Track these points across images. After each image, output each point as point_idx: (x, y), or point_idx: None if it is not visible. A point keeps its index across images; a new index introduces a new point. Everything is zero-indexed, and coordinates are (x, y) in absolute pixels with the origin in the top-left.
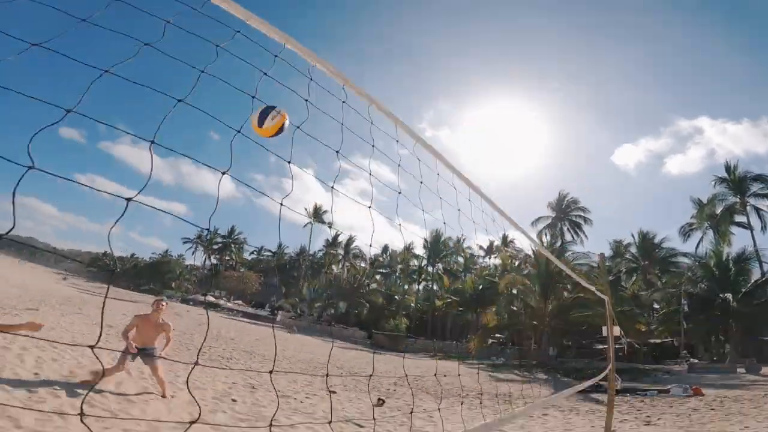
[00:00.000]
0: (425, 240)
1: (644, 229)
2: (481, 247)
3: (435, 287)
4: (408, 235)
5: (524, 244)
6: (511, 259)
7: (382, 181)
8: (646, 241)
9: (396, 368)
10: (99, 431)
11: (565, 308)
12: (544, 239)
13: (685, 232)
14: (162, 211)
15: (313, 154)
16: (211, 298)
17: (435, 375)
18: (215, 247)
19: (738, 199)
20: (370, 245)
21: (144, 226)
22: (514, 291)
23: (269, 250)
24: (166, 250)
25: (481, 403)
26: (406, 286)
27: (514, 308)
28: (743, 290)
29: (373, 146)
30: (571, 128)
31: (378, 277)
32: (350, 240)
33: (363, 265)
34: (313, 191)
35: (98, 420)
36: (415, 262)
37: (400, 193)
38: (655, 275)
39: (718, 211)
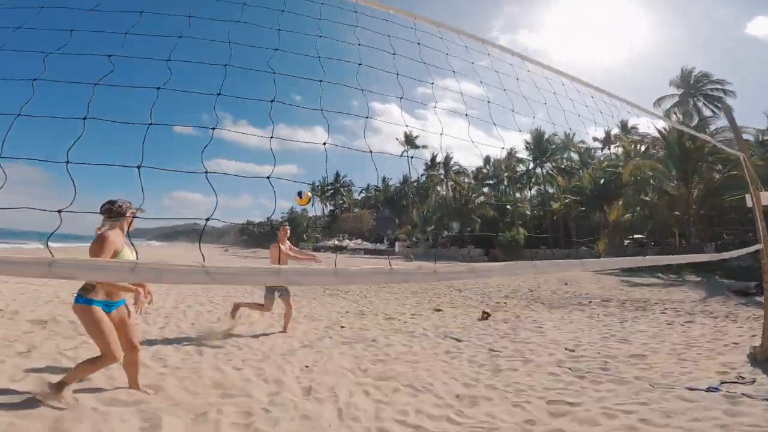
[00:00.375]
0: (526, 142)
1: None
2: (596, 139)
3: (550, 189)
4: (508, 140)
5: (649, 128)
6: (635, 145)
7: (470, 95)
8: None
9: (511, 281)
10: (223, 362)
11: (713, 191)
12: (674, 117)
13: None
14: (283, 179)
15: (394, 89)
16: (335, 242)
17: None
18: (328, 194)
19: None
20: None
21: (269, 192)
22: (645, 178)
23: (376, 186)
24: (291, 208)
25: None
26: (517, 194)
27: (647, 198)
28: None
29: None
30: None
31: (485, 189)
32: (448, 158)
33: (467, 180)
34: (402, 123)
35: (226, 354)
36: (521, 167)
37: (489, 102)
38: None
39: None
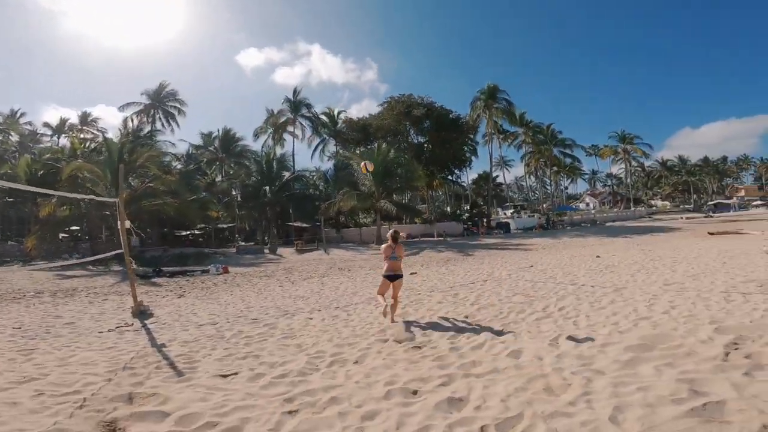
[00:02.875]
0: None
1: (228, 126)
2: (47, 125)
3: None
4: None
5: (113, 123)
6: (88, 143)
7: None
8: (227, 137)
9: None
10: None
11: (137, 197)
12: (130, 123)
13: (256, 133)
14: None
15: None
16: None
17: None
18: None
19: (292, 116)
20: None
21: None
22: (84, 178)
23: None
24: None
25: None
26: None
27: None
28: (277, 184)
29: None
30: (206, 17)
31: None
32: None
33: None
34: None
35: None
36: None
37: None
38: (230, 167)
39: (281, 121)
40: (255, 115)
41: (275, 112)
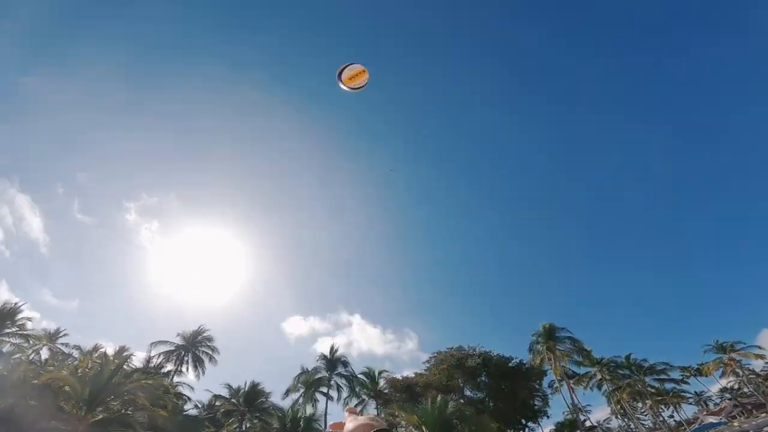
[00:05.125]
0: None
1: (256, 380)
2: (78, 347)
3: None
4: None
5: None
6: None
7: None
8: (254, 390)
9: None
10: None
11: (103, 421)
12: (154, 361)
13: (287, 391)
14: None
15: None
16: None
17: None
18: None
19: (327, 374)
20: None
21: None
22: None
23: None
24: None
25: None
26: None
27: (33, 403)
28: None
29: None
30: (261, 283)
31: None
32: None
33: None
34: None
35: None
36: None
37: None
38: (251, 422)
39: (315, 378)
40: (289, 375)
41: (309, 369)
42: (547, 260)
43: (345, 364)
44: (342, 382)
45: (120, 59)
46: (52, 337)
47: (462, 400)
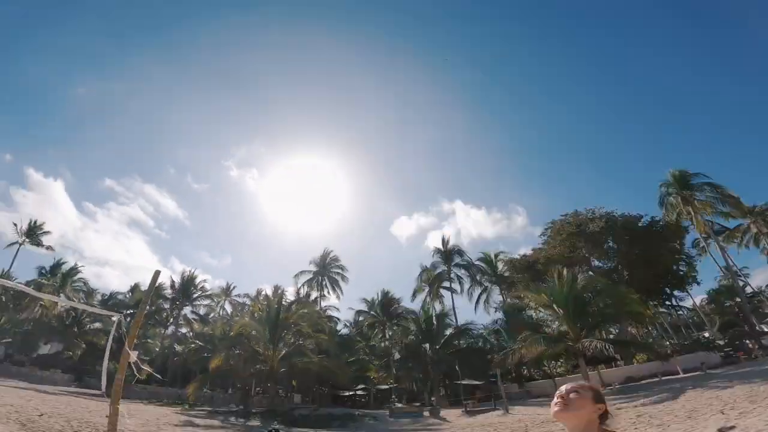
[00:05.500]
0: (172, 279)
1: (386, 289)
2: (247, 295)
3: (183, 330)
4: (165, 275)
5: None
6: (254, 305)
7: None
8: (386, 299)
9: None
10: None
11: (288, 355)
12: (303, 291)
13: (414, 293)
14: None
15: (72, 160)
16: None
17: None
18: None
19: (446, 267)
20: None
21: None
22: (246, 334)
23: None
24: None
25: None
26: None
27: (239, 352)
28: (442, 341)
29: None
30: (361, 195)
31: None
32: (74, 269)
33: (91, 302)
34: (58, 210)
35: None
36: (166, 305)
37: None
38: (390, 328)
39: (435, 273)
40: (413, 278)
41: (428, 266)
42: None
43: (460, 253)
44: (461, 272)
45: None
46: (227, 291)
47: (590, 272)
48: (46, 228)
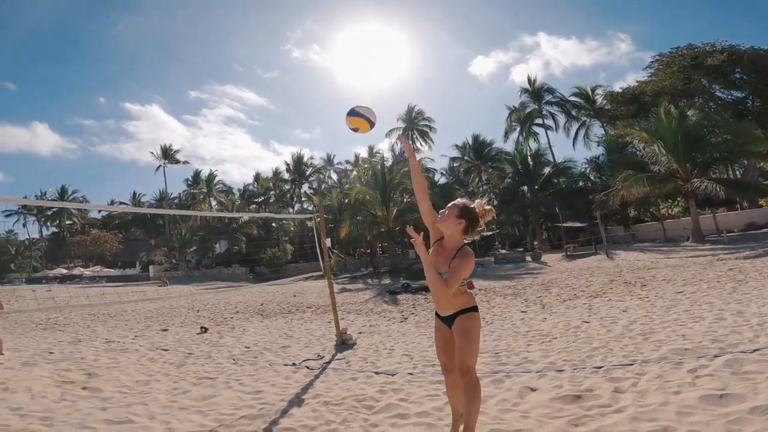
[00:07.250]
0: (286, 163)
1: (476, 132)
2: (348, 162)
3: (310, 207)
4: (275, 160)
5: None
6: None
7: (247, 106)
8: (477, 143)
9: (254, 297)
10: None
11: (400, 213)
12: (396, 147)
13: (506, 133)
14: None
15: (158, 86)
16: (62, 270)
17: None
18: (48, 213)
19: (536, 106)
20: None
21: None
22: (362, 201)
23: (123, 203)
24: None
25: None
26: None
27: (359, 218)
28: (540, 182)
29: None
30: (431, 44)
31: (253, 207)
32: (212, 175)
33: (231, 198)
34: (168, 128)
35: None
36: (286, 187)
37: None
38: (486, 172)
39: (526, 112)
40: (501, 119)
41: (516, 106)
42: None
43: (551, 90)
44: (554, 109)
45: None
46: (330, 161)
47: (711, 104)
48: (174, 147)
